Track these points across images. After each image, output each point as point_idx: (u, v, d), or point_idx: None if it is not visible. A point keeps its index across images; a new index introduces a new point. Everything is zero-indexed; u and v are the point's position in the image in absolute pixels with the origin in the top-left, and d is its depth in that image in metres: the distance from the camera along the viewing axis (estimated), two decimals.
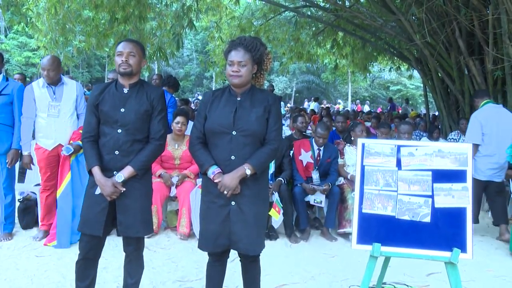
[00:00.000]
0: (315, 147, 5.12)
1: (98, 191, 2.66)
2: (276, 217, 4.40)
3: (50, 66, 4.16)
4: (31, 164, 4.34)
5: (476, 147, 4.88)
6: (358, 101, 29.64)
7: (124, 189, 2.64)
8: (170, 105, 6.21)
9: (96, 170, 2.65)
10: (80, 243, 2.77)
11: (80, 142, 4.14)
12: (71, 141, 4.24)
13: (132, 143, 2.68)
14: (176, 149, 4.97)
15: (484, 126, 4.93)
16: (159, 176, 4.85)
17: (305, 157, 5.08)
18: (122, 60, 2.66)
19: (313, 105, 18.89)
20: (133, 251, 2.82)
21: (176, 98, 7.08)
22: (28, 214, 4.76)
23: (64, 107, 4.24)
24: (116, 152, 2.66)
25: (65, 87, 4.29)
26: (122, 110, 2.67)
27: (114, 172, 2.66)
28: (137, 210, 2.69)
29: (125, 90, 2.72)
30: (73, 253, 3.94)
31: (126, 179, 2.65)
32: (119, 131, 2.66)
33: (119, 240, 2.96)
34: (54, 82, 4.23)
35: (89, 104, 2.75)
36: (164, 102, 2.82)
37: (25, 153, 4.29)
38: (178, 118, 4.92)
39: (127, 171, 2.64)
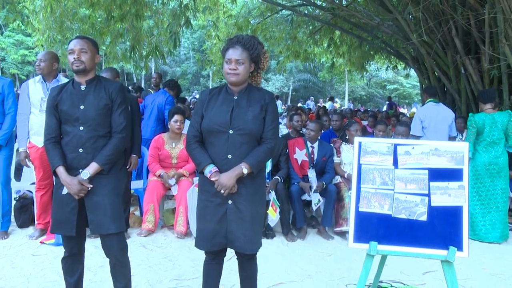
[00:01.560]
0: (309, 144, 5.13)
1: (65, 191, 2.63)
2: (273, 215, 4.40)
3: (42, 57, 4.18)
4: (28, 161, 4.32)
5: (417, 138, 5.57)
6: (327, 98, 29.18)
7: (91, 186, 2.62)
8: (168, 103, 6.21)
9: (60, 170, 2.62)
10: (63, 242, 2.79)
11: None
12: None
13: (96, 140, 2.66)
14: (173, 148, 4.97)
15: (423, 121, 5.75)
16: (159, 176, 4.84)
17: (300, 155, 5.09)
18: (74, 58, 2.64)
19: (328, 105, 18.79)
20: (117, 254, 2.73)
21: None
22: (24, 213, 4.75)
23: None
24: (80, 150, 2.64)
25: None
26: (82, 107, 2.64)
27: (80, 170, 2.63)
28: (106, 207, 2.65)
29: (82, 87, 2.70)
30: None
31: (92, 176, 2.62)
32: (81, 128, 2.64)
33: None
34: (48, 78, 4.22)
35: (48, 106, 2.72)
36: (124, 95, 2.79)
37: (21, 149, 4.27)
38: (176, 117, 4.91)
39: (92, 168, 2.62)
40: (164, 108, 6.17)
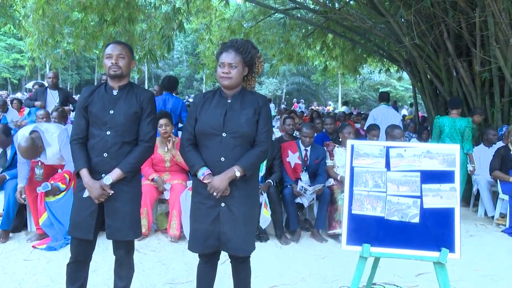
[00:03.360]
0: (302, 148, 5.14)
1: (86, 194, 2.63)
2: (268, 214, 4.44)
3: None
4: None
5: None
6: (295, 99, 29.19)
7: (112, 191, 2.62)
8: (184, 109, 6.25)
9: (84, 172, 2.63)
10: (71, 246, 2.76)
11: (59, 184, 4.31)
12: (51, 181, 4.34)
13: (121, 145, 2.66)
14: (166, 152, 4.96)
15: (375, 120, 7.14)
16: (152, 180, 4.83)
17: (293, 158, 5.10)
18: (112, 63, 2.65)
19: (343, 109, 18.73)
20: (123, 255, 2.79)
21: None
22: (16, 218, 4.71)
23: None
24: (105, 155, 2.65)
25: None
26: (111, 112, 2.65)
27: (103, 175, 2.64)
28: (125, 214, 2.67)
29: (115, 92, 2.71)
30: (62, 256, 3.92)
31: (115, 182, 2.63)
32: (108, 133, 2.65)
33: (109, 243, 2.95)
34: None
35: (78, 107, 2.73)
36: (154, 104, 2.82)
37: (19, 186, 4.37)
38: (161, 121, 4.87)
39: (115, 174, 2.63)
40: (182, 116, 6.19)
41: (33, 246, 4.24)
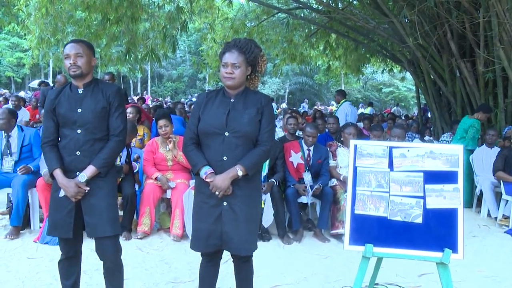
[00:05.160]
0: (305, 147, 5.14)
1: (62, 193, 2.63)
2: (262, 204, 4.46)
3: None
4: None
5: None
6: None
7: (88, 188, 2.62)
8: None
9: (57, 172, 2.63)
10: (59, 245, 2.78)
11: None
12: None
13: (93, 143, 2.66)
14: (168, 151, 4.96)
15: (347, 116, 8.03)
16: (155, 178, 4.83)
17: (296, 158, 5.10)
18: (70, 63, 2.64)
19: (368, 110, 18.65)
20: (111, 255, 2.73)
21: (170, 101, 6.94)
22: None
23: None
24: (78, 153, 2.65)
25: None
26: (79, 110, 2.64)
27: (77, 173, 2.63)
28: (102, 209, 2.66)
29: (80, 91, 2.70)
30: None
31: (89, 179, 2.62)
32: (79, 131, 2.64)
33: None
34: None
35: (46, 110, 2.72)
36: (121, 98, 2.79)
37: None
38: (160, 122, 4.88)
39: (89, 170, 2.62)
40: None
41: (34, 241, 4.32)
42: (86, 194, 2.63)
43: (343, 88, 34.38)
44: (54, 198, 2.70)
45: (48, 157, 2.68)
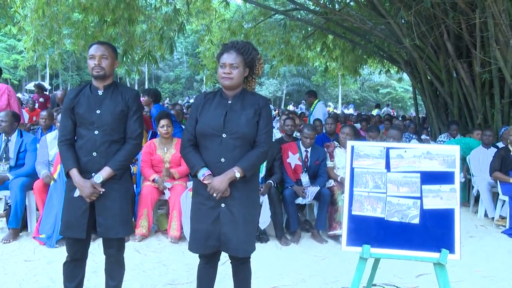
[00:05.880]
0: (303, 149, 5.15)
1: (77, 193, 2.65)
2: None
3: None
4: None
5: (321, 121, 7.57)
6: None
7: (103, 190, 2.64)
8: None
9: (74, 172, 2.64)
10: (66, 245, 2.78)
11: None
12: None
13: (110, 144, 2.69)
14: (165, 152, 4.96)
15: (325, 115, 8.43)
16: (153, 180, 4.83)
17: (293, 159, 5.10)
18: (94, 64, 2.67)
19: (375, 112, 18.76)
20: (115, 253, 2.80)
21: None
22: None
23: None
24: (94, 154, 2.67)
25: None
26: (98, 111, 2.67)
27: (92, 174, 2.66)
28: (116, 211, 2.69)
29: (100, 92, 2.73)
30: (63, 256, 3.90)
31: (105, 180, 2.65)
32: (96, 132, 2.67)
33: None
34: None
35: (65, 108, 2.74)
36: (139, 102, 2.84)
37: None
38: (162, 122, 4.90)
39: (105, 172, 2.64)
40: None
41: (33, 237, 4.37)
42: (101, 195, 2.66)
43: (341, 89, 34.51)
44: (68, 198, 2.72)
45: (65, 156, 2.69)
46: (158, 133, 5.00)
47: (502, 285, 3.83)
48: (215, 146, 2.53)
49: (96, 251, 3.93)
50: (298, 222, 4.89)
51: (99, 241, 4.33)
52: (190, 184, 4.66)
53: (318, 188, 4.90)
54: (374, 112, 18.74)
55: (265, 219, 4.56)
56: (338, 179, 5.13)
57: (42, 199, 4.47)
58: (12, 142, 4.77)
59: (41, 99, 10.65)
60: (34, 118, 8.50)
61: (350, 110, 19.75)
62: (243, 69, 2.56)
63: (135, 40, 9.61)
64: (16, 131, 4.81)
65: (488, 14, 6.65)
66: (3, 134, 4.76)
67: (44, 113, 5.89)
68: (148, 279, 3.66)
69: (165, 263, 4.04)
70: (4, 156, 4.73)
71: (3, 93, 6.47)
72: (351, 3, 10.65)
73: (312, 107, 8.71)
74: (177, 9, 8.95)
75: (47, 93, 13.87)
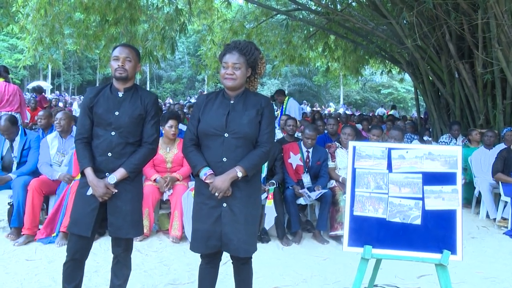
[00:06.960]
0: (304, 149, 5.14)
1: (90, 192, 2.68)
2: (271, 203, 4.48)
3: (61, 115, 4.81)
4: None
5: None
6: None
7: (116, 190, 2.67)
8: None
9: (88, 171, 2.67)
10: (68, 243, 2.79)
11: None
12: None
13: (125, 146, 2.71)
14: (168, 152, 4.96)
15: (300, 109, 8.94)
16: (154, 180, 4.83)
17: (294, 160, 5.10)
18: (118, 65, 2.69)
19: (391, 112, 18.56)
20: (122, 253, 2.83)
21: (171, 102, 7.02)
22: None
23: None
24: (109, 154, 2.70)
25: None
26: (116, 113, 2.70)
27: (106, 174, 2.69)
28: (127, 212, 2.72)
29: (120, 94, 2.76)
30: (64, 255, 3.92)
31: (118, 181, 2.67)
32: (113, 133, 2.70)
33: (110, 244, 2.96)
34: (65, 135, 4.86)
35: (83, 106, 2.77)
36: (158, 107, 2.86)
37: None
38: (171, 122, 4.89)
39: (119, 173, 2.67)
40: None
41: (35, 239, 4.37)
42: (113, 195, 2.69)
43: (342, 90, 34.49)
44: (79, 195, 2.75)
45: (81, 154, 2.72)
46: (163, 132, 4.96)
47: (504, 286, 3.83)
48: (217, 145, 2.54)
49: (97, 251, 3.94)
50: (299, 223, 4.89)
51: (100, 241, 4.36)
52: (191, 184, 4.66)
53: (326, 190, 4.87)
54: (391, 112, 18.66)
55: (270, 220, 4.55)
56: (340, 180, 5.12)
57: (39, 198, 4.47)
58: (17, 141, 4.81)
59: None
60: (36, 118, 8.53)
61: (341, 110, 19.87)
62: (245, 69, 2.56)
63: (136, 40, 9.62)
64: (19, 131, 4.83)
65: (490, 15, 6.64)
66: (8, 141, 4.82)
67: (40, 113, 5.88)
68: (149, 279, 3.66)
69: (166, 263, 4.04)
70: (11, 158, 4.80)
71: (15, 94, 6.54)
72: (353, 4, 10.65)
73: (285, 104, 8.76)
74: (179, 9, 8.96)
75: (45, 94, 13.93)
